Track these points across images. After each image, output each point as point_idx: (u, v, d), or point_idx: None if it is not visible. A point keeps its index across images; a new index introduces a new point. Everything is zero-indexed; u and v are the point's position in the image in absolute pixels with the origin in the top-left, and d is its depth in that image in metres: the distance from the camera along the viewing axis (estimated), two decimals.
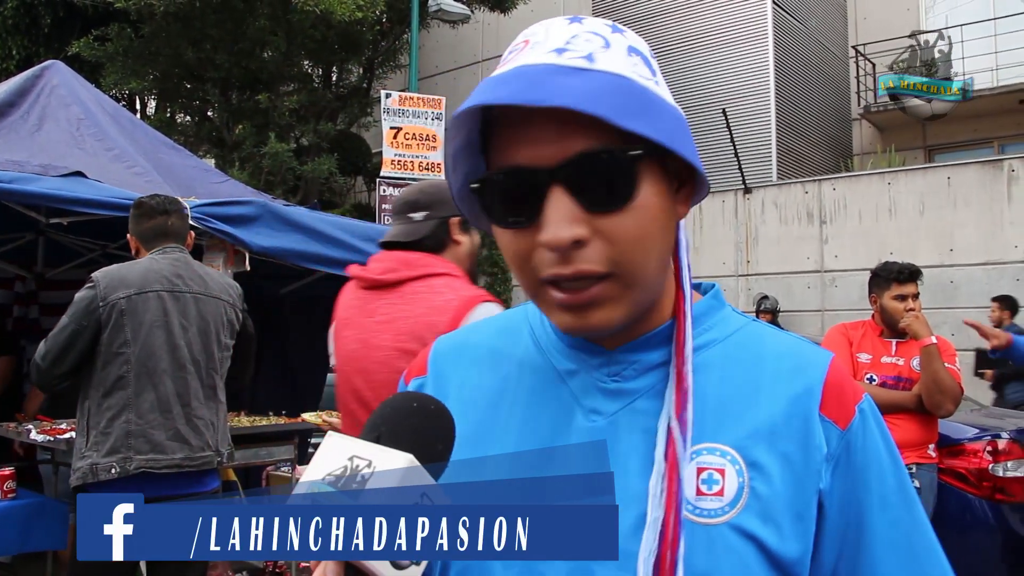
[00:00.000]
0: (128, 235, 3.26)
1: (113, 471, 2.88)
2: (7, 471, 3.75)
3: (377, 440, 0.71)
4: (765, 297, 10.08)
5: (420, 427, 0.74)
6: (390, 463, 0.67)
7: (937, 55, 13.19)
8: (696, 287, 0.92)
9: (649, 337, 0.86)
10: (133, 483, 2.90)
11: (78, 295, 3.01)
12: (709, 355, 0.86)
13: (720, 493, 0.79)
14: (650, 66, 0.81)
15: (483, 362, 0.95)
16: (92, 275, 3.06)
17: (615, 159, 0.74)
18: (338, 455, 0.70)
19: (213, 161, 13.35)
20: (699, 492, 0.79)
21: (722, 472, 0.80)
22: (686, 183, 0.84)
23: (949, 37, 13.32)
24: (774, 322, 9.79)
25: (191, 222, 4.01)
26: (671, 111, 0.78)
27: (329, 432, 0.74)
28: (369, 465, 0.68)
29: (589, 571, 0.79)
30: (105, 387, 2.96)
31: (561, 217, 0.74)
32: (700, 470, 0.80)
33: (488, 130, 0.82)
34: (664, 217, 0.79)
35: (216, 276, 3.31)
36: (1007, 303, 8.71)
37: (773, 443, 0.81)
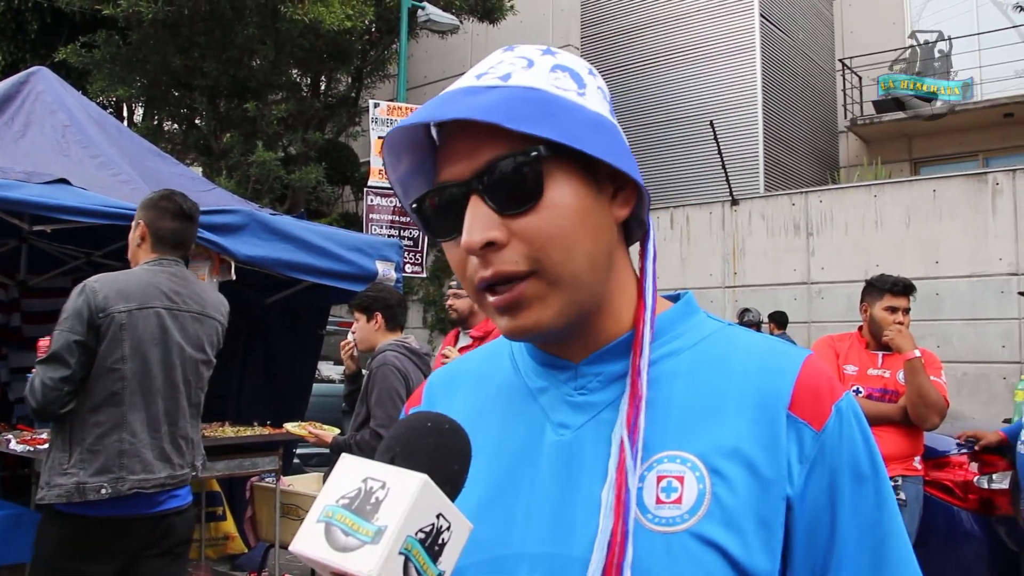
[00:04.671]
0: (139, 221, 3.07)
1: (104, 491, 2.77)
2: None
3: (392, 461, 0.71)
4: (747, 310, 10.11)
5: (435, 447, 0.74)
6: (405, 484, 0.67)
7: (937, 55, 13.32)
8: (674, 299, 0.94)
9: (611, 348, 0.87)
10: (121, 502, 2.82)
11: (72, 305, 2.83)
12: (677, 362, 0.87)
13: (679, 501, 0.79)
14: (579, 81, 0.85)
15: (469, 387, 0.98)
16: (87, 283, 2.88)
17: (517, 161, 0.79)
18: (352, 476, 0.70)
19: (200, 169, 13.28)
20: (659, 500, 0.79)
21: (681, 479, 0.80)
22: (625, 187, 0.86)
23: (949, 38, 13.44)
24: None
25: None
26: (588, 117, 0.81)
27: (343, 455, 0.73)
28: (383, 487, 0.68)
29: None
30: (93, 402, 2.82)
31: (475, 222, 0.79)
32: (660, 478, 0.80)
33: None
34: (586, 216, 0.82)
35: (211, 293, 3.23)
36: (776, 318, 9.56)
37: (738, 449, 0.80)
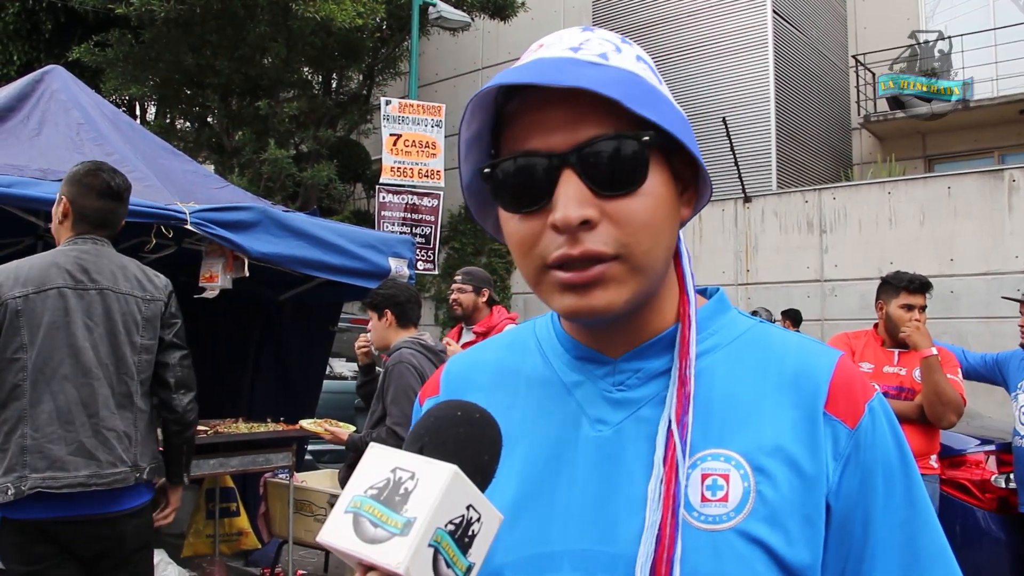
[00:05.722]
0: (61, 196, 2.84)
1: (9, 492, 2.52)
2: None
3: (421, 451, 0.70)
4: (758, 311, 10.07)
5: (465, 437, 0.73)
6: (434, 475, 0.66)
7: (937, 55, 13.22)
8: (702, 292, 0.93)
9: (652, 344, 0.86)
10: (32, 505, 2.56)
11: None
12: (714, 359, 0.86)
13: (724, 499, 0.79)
14: (656, 75, 0.86)
15: (493, 378, 0.96)
16: None
17: (626, 144, 0.77)
18: (381, 467, 0.69)
19: (213, 167, 13.33)
20: (704, 498, 0.79)
21: (726, 477, 0.80)
22: (688, 187, 0.86)
23: (949, 38, 13.33)
24: None
25: (190, 227, 4.00)
26: (677, 111, 0.82)
27: (372, 444, 0.72)
28: (412, 477, 0.67)
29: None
30: (0, 397, 2.61)
31: (572, 198, 0.77)
32: (704, 476, 0.80)
33: (499, 124, 0.84)
34: (671, 209, 0.82)
35: (133, 269, 2.90)
36: (790, 315, 9.41)
37: (781, 447, 0.80)
